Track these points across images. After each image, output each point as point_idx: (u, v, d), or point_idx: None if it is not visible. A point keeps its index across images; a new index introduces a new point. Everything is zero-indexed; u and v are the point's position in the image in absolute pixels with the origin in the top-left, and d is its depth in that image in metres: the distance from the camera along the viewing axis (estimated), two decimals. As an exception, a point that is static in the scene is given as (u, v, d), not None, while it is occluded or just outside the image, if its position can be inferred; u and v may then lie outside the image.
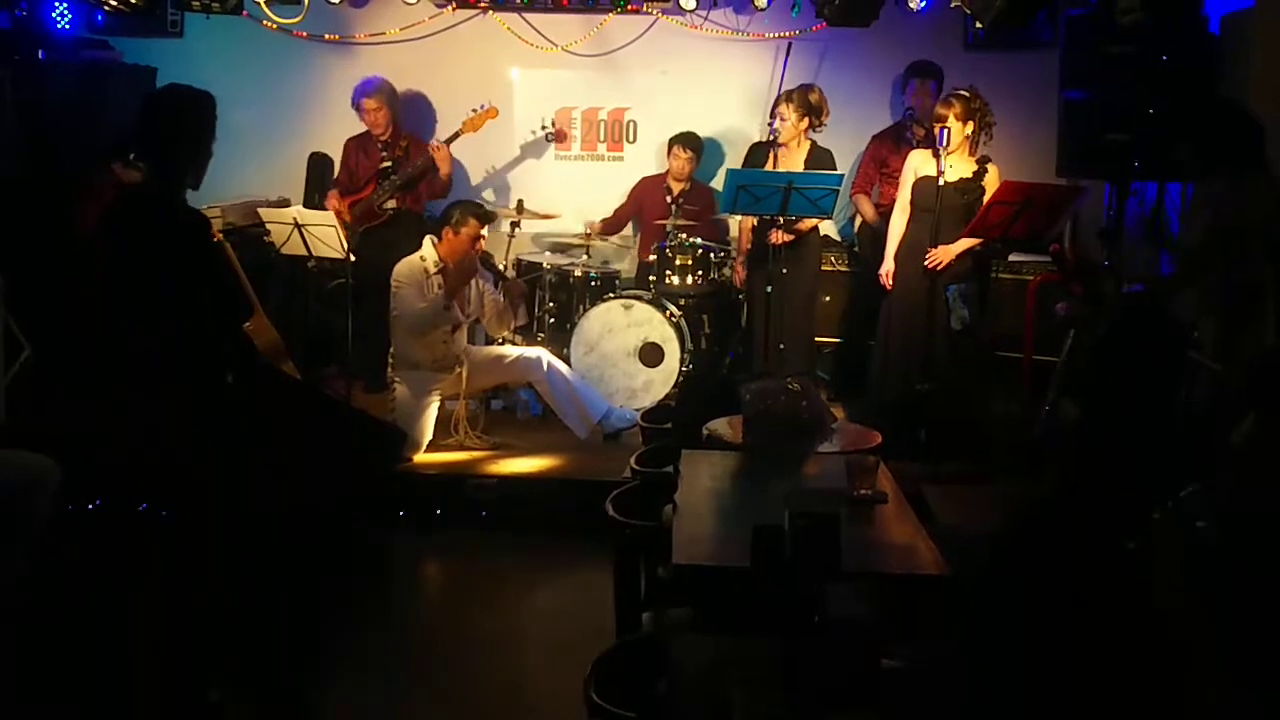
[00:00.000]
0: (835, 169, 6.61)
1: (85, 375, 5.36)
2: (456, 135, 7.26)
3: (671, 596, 3.43)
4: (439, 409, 6.29)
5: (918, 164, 6.15)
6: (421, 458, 6.13)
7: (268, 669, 4.30)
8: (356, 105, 7.27)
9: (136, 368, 4.16)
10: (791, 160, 6.60)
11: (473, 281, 6.38)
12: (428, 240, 6.35)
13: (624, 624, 3.53)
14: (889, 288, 6.19)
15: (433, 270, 6.23)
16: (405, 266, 6.27)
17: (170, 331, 4.08)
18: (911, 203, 6.15)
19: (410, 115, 7.85)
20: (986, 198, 5.85)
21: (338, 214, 6.84)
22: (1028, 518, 2.55)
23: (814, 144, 6.70)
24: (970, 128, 5.95)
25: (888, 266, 6.19)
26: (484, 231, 6.36)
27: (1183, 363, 3.74)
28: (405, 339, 6.30)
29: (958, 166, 5.94)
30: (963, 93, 5.97)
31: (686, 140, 7.51)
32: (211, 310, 4.18)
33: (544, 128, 8.06)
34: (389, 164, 7.27)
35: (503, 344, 6.78)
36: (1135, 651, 2.31)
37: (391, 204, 7.25)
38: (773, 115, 6.72)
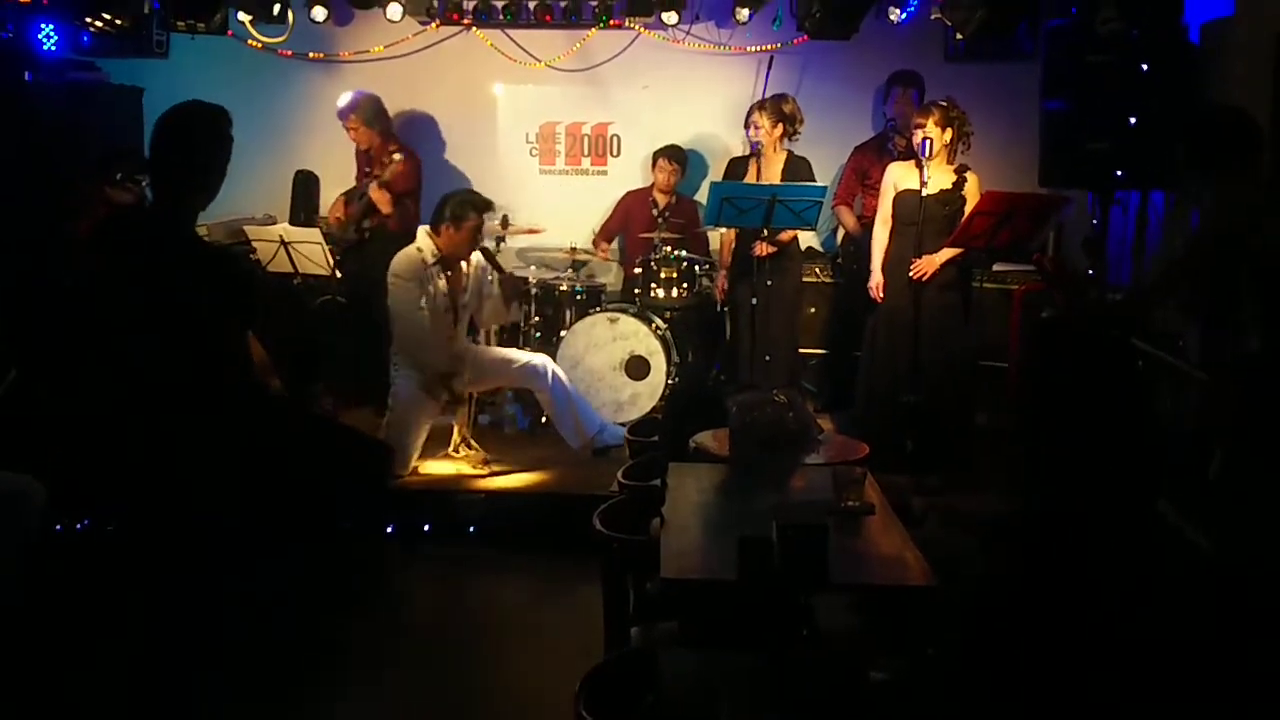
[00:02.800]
0: (813, 176, 6.65)
1: (75, 395, 5.35)
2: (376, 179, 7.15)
3: (660, 610, 3.44)
4: (435, 422, 6.25)
5: (897, 177, 6.18)
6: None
7: (255, 686, 4.29)
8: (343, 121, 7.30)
9: (133, 390, 4.15)
10: (769, 169, 6.65)
11: (470, 273, 6.27)
12: (422, 231, 6.20)
13: (612, 638, 3.54)
14: (879, 300, 6.20)
15: (430, 261, 6.07)
16: (403, 259, 6.10)
17: (172, 357, 4.05)
18: (894, 216, 6.17)
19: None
20: (968, 207, 5.88)
21: (333, 220, 6.86)
22: (1003, 531, 2.57)
23: (790, 153, 6.75)
24: (949, 135, 5.98)
25: (876, 279, 6.21)
26: (485, 219, 6.29)
27: (1125, 373, 3.72)
28: (405, 335, 6.13)
29: (937, 177, 5.96)
30: (941, 102, 6.01)
31: (671, 153, 7.55)
32: (228, 340, 4.13)
33: (528, 142, 8.09)
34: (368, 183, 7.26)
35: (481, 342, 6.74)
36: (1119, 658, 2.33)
37: (366, 225, 7.22)
38: (747, 125, 6.77)
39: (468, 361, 6.26)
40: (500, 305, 6.34)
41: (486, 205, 6.28)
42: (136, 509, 4.61)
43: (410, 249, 6.14)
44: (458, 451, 6.32)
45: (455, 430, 6.35)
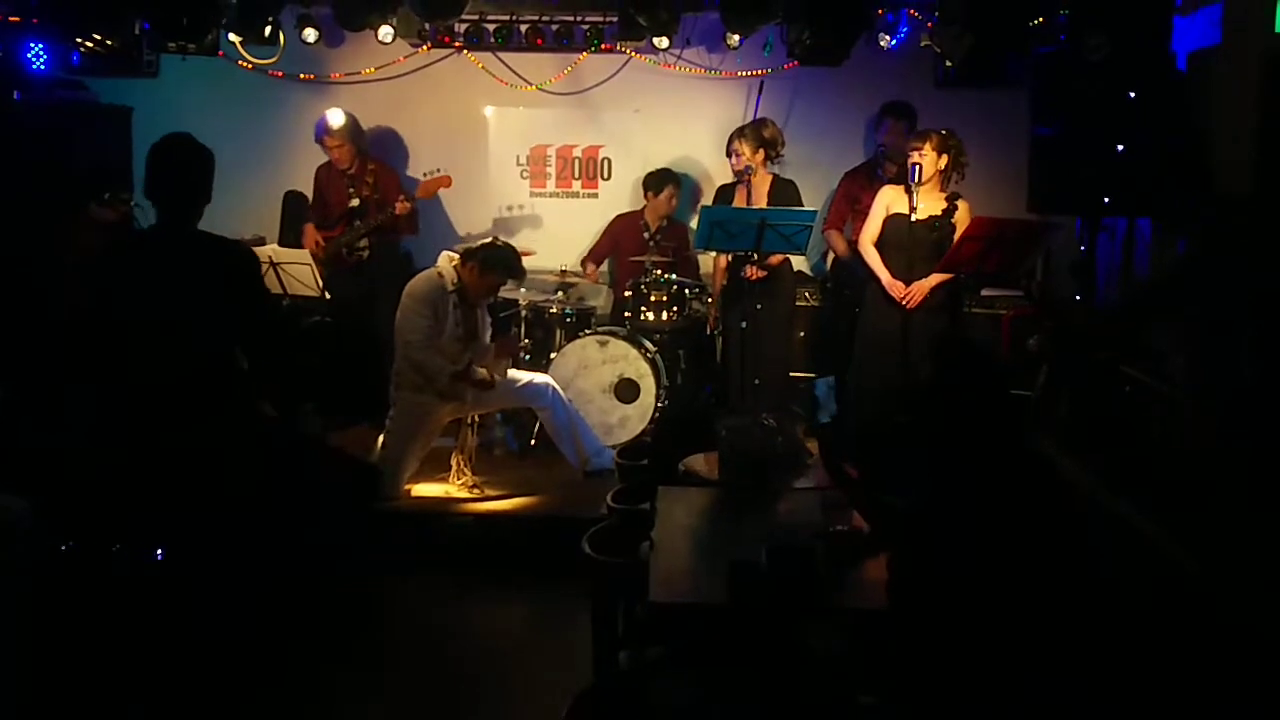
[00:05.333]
0: (800, 198, 6.66)
1: (66, 413, 5.33)
2: (413, 198, 7.28)
3: (648, 634, 3.43)
4: (433, 445, 6.21)
5: (889, 200, 6.20)
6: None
7: (238, 712, 4.26)
8: (320, 142, 7.30)
9: (129, 408, 4.20)
10: (755, 194, 6.66)
11: (481, 316, 6.27)
12: (445, 256, 6.18)
13: (601, 663, 3.52)
14: (912, 304, 6.04)
15: (450, 288, 6.03)
16: (423, 282, 6.06)
17: (181, 370, 4.13)
18: (883, 239, 6.18)
19: (385, 155, 7.87)
20: (957, 235, 5.89)
21: (314, 249, 6.85)
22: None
23: (776, 176, 6.76)
24: (943, 161, 5.99)
25: (899, 287, 6.06)
26: (509, 284, 6.42)
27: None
28: (407, 356, 6.05)
29: (927, 204, 5.98)
30: (941, 130, 6.03)
31: (677, 180, 7.59)
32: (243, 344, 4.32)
33: (519, 165, 8.09)
34: (356, 203, 7.27)
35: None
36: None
37: (363, 245, 7.24)
38: (729, 154, 6.79)
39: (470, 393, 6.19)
40: (491, 358, 6.24)
41: (520, 274, 6.35)
42: (124, 531, 4.61)
43: (431, 272, 6.12)
44: (458, 478, 6.25)
45: (454, 457, 6.28)
